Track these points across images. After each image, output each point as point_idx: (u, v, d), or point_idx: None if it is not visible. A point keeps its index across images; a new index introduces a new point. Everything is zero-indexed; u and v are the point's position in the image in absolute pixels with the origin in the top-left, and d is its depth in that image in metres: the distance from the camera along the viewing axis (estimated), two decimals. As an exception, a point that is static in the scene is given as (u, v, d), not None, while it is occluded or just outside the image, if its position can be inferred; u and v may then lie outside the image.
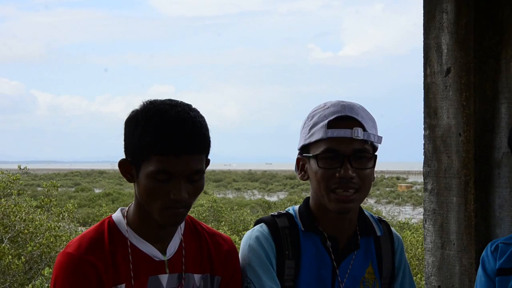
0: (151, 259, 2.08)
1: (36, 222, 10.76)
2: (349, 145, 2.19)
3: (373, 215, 2.42)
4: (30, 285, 8.75)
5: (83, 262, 2.01)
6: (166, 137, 1.95)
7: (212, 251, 2.19)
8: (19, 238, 10.68)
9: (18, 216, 10.64)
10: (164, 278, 2.09)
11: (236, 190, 56.88)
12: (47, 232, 10.67)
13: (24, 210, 10.91)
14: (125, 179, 2.10)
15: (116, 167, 2.10)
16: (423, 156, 3.12)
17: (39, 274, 9.87)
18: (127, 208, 2.16)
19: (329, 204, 2.21)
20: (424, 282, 3.12)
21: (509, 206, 2.83)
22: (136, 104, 2.07)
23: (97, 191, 45.54)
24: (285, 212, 2.35)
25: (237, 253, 2.26)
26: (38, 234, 10.65)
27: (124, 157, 2.06)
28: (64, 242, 10.39)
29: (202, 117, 2.05)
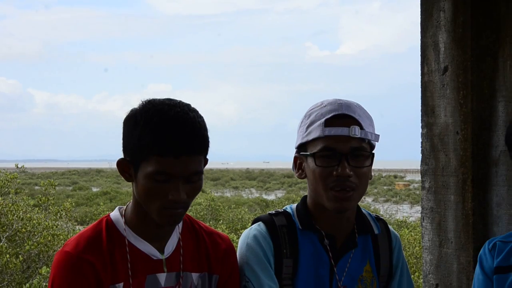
0: (149, 258, 2.08)
1: (34, 221, 10.75)
2: (346, 144, 2.19)
3: (371, 213, 2.42)
4: (28, 284, 8.74)
5: (81, 261, 2.01)
6: (165, 138, 1.95)
7: (210, 250, 2.19)
8: (17, 237, 10.67)
9: (15, 215, 10.63)
10: (162, 277, 2.09)
11: (234, 189, 56.89)
12: (44, 231, 10.66)
13: (22, 209, 10.90)
14: (123, 178, 2.10)
15: (114, 166, 2.09)
16: (420, 154, 3.12)
17: (37, 273, 9.86)
18: (125, 206, 2.16)
19: (326, 202, 2.21)
20: (422, 280, 3.13)
21: (507, 204, 2.83)
22: (134, 103, 2.07)
23: (94, 189, 45.51)
24: (282, 210, 2.36)
25: (235, 252, 2.26)
26: (35, 233, 10.64)
27: (122, 156, 2.06)
28: (62, 241, 10.38)
29: (201, 117, 2.04)
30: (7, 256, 9.67)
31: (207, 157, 2.08)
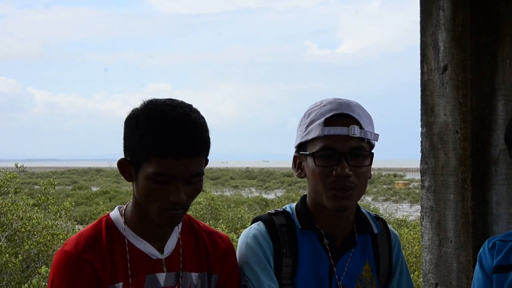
0: (149, 258, 2.08)
1: (33, 221, 10.74)
2: (345, 143, 2.19)
3: (370, 212, 2.42)
4: (27, 284, 8.74)
5: (80, 260, 2.01)
6: (167, 140, 1.94)
7: (209, 250, 2.19)
8: (16, 237, 10.66)
9: (15, 215, 10.62)
10: (161, 276, 2.09)
11: (234, 188, 56.88)
12: (44, 231, 10.65)
13: (21, 209, 10.89)
14: (122, 177, 2.09)
15: (114, 165, 2.09)
16: (420, 153, 3.12)
17: (36, 272, 9.85)
18: (125, 206, 2.15)
19: (326, 202, 2.21)
20: (421, 279, 3.13)
21: (506, 203, 2.83)
22: (134, 102, 2.07)
23: (94, 189, 45.50)
24: (282, 210, 2.35)
25: (235, 251, 2.26)
26: (35, 232, 10.63)
27: (123, 156, 2.05)
28: (61, 241, 10.38)
29: (202, 118, 2.03)
30: (7, 255, 9.67)
31: (208, 157, 2.08)
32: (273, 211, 2.34)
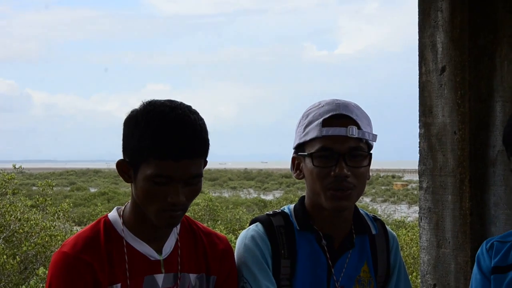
0: (147, 259, 2.08)
1: (31, 222, 10.74)
2: (344, 144, 2.19)
3: (368, 213, 2.42)
4: (24, 285, 8.74)
5: (78, 261, 2.01)
6: (166, 141, 1.94)
7: (207, 251, 2.19)
8: (14, 238, 10.66)
9: (13, 216, 10.62)
10: (159, 277, 2.08)
11: (232, 189, 56.86)
12: (42, 232, 10.65)
13: (19, 210, 10.89)
14: (121, 178, 2.09)
15: (112, 166, 2.09)
16: (418, 155, 3.13)
17: (34, 274, 9.85)
18: (123, 207, 2.15)
19: (324, 202, 2.21)
20: (419, 280, 3.13)
21: (504, 204, 2.83)
22: (133, 103, 2.06)
23: (92, 190, 45.45)
24: (280, 211, 2.35)
25: (233, 253, 2.26)
26: (33, 233, 10.63)
27: (121, 157, 2.05)
28: (59, 242, 10.37)
29: (202, 119, 2.03)
30: (4, 257, 9.67)
31: (207, 159, 2.07)
32: (271, 212, 2.34)
